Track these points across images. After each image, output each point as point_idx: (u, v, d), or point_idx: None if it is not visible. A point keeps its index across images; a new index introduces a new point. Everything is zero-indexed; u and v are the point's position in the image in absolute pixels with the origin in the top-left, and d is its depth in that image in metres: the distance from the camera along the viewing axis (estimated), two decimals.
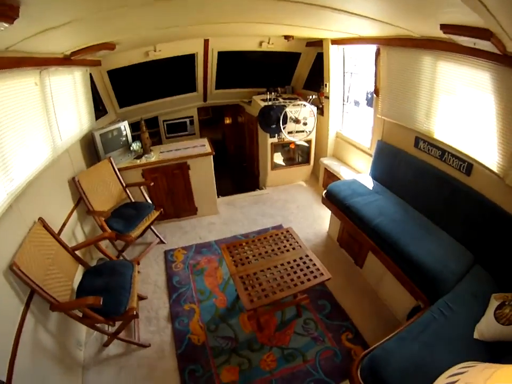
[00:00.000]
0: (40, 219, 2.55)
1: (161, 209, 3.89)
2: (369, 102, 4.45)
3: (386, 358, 1.97)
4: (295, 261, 2.95)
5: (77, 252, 2.87)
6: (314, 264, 2.89)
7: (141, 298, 3.27)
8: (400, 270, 2.73)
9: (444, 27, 2.23)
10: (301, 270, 2.84)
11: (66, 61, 3.08)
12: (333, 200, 3.69)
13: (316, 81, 5.35)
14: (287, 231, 3.36)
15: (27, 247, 2.25)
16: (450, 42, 2.61)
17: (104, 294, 2.37)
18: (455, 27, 2.15)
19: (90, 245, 3.09)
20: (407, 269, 2.67)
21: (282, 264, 2.92)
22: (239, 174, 7.08)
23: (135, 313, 2.48)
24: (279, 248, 3.12)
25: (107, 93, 4.80)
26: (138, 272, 3.55)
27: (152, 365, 2.69)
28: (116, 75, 4.64)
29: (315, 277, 2.76)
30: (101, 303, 2.20)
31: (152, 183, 4.02)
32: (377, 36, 3.54)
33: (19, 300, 2.08)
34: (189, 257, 3.88)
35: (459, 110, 2.85)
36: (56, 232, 2.77)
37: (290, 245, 3.16)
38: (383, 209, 3.23)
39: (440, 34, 2.42)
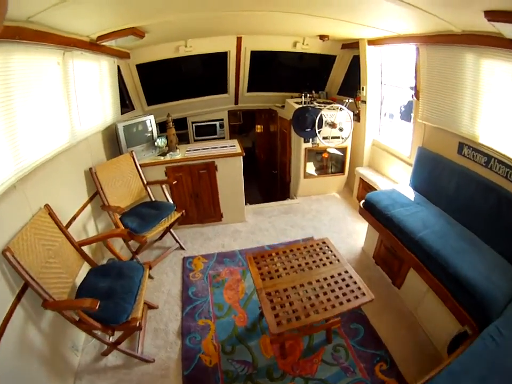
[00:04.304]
0: (47, 206, 2.36)
1: (183, 211, 3.59)
2: (403, 115, 4.31)
3: None
4: (332, 277, 2.53)
5: (85, 249, 2.66)
6: (355, 282, 2.46)
7: (150, 307, 2.98)
8: (446, 290, 2.40)
9: (488, 14, 2.04)
10: (340, 288, 2.42)
11: (92, 46, 2.97)
12: (371, 210, 3.37)
13: (351, 87, 5.09)
14: (323, 242, 2.95)
15: (27, 233, 2.08)
16: (493, 36, 2.41)
17: (105, 298, 2.14)
18: (499, 13, 1.98)
19: (101, 242, 2.86)
20: (453, 288, 2.35)
21: (318, 281, 2.49)
22: (268, 182, 6.79)
23: (137, 324, 2.16)
24: (314, 262, 2.70)
25: (135, 88, 4.67)
26: (151, 277, 3.36)
27: None
28: (145, 70, 4.51)
29: (356, 297, 2.33)
30: (97, 307, 1.90)
31: (175, 182, 3.75)
32: (416, 34, 3.32)
33: (10, 290, 1.90)
34: (209, 267, 3.54)
35: (506, 111, 2.61)
36: (65, 224, 2.60)
37: (327, 258, 2.74)
38: (427, 222, 2.93)
39: (482, 27, 2.32)
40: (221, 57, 4.80)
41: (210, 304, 3.04)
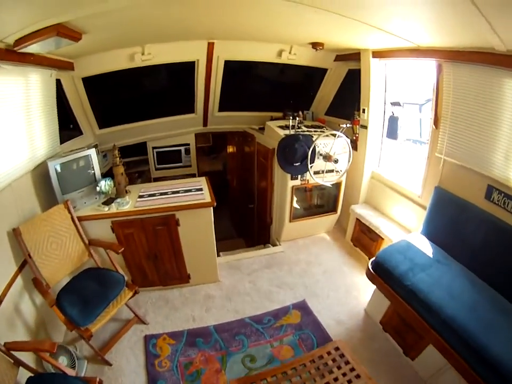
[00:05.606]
0: None
1: (136, 288, 2.91)
2: (389, 133, 3.93)
3: None
4: None
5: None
6: None
7: None
8: (477, 376, 2.08)
9: None
10: None
11: (10, 54, 2.27)
12: (384, 276, 2.88)
13: (341, 106, 4.72)
14: (336, 349, 2.31)
15: None
16: None
17: None
18: None
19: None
20: (486, 373, 2.06)
21: None
22: (243, 216, 6.08)
23: None
24: None
25: (82, 108, 3.96)
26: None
27: None
28: (94, 84, 3.84)
29: None
30: None
31: (121, 250, 2.93)
32: (441, 47, 2.89)
33: None
34: (178, 351, 2.88)
35: None
36: None
37: (344, 375, 2.10)
38: (453, 289, 2.58)
39: None
40: (188, 69, 4.18)
41: None
